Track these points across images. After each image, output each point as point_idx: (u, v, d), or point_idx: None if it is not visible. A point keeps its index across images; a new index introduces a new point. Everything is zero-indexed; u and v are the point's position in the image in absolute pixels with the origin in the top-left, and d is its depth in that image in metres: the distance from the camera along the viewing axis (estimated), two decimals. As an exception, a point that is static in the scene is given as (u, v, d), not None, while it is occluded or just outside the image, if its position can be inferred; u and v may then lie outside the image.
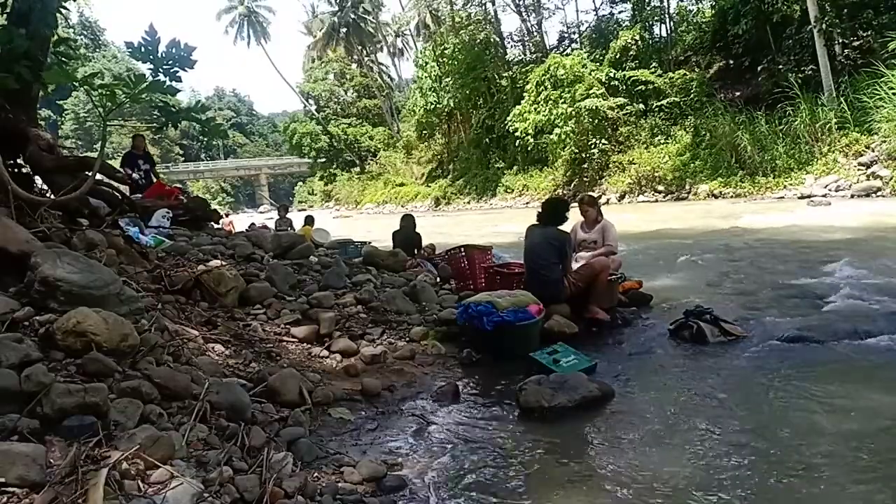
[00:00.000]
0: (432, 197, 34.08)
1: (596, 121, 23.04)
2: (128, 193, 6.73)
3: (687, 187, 20.10)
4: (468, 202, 31.22)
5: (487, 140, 32.39)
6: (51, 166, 4.57)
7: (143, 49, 3.49)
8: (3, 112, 4.25)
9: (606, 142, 23.56)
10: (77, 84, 3.93)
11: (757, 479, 2.27)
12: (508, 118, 26.28)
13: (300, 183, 63.36)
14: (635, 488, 2.25)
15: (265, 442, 2.38)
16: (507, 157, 30.41)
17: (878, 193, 14.21)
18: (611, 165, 23.57)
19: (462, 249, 5.87)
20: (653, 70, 23.90)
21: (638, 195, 21.66)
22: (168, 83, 3.59)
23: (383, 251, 6.63)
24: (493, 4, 33.98)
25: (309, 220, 10.93)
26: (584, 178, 24.13)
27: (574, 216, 5.31)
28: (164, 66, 3.52)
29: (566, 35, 33.40)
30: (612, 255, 5.34)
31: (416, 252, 7.60)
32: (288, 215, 12.94)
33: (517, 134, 25.49)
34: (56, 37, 4.90)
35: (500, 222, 17.49)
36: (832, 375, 3.32)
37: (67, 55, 4.26)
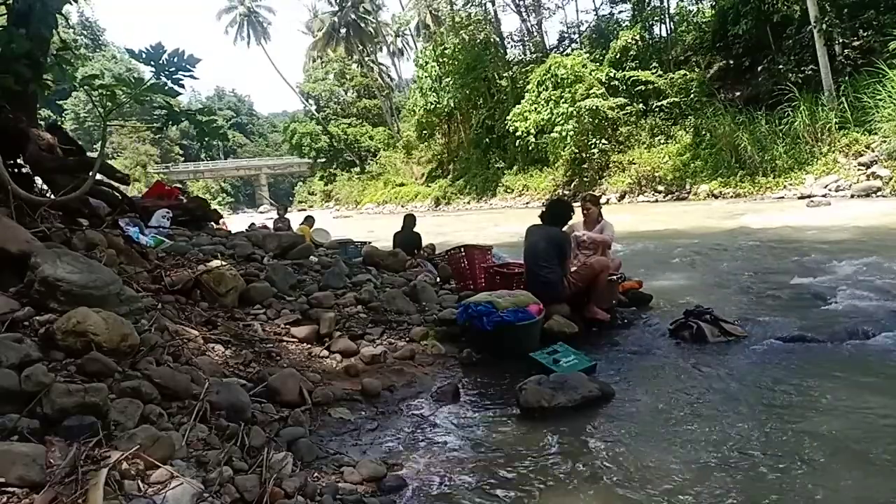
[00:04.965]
0: (432, 197, 34.10)
1: (596, 121, 23.06)
2: None
3: (687, 187, 20.11)
4: (468, 202, 31.23)
5: (487, 140, 32.40)
6: (51, 166, 4.57)
7: (143, 56, 3.49)
8: (3, 112, 4.24)
9: (606, 142, 23.58)
10: (77, 84, 3.93)
11: (757, 480, 2.26)
12: (508, 118, 26.29)
13: (300, 183, 63.37)
14: (635, 488, 2.25)
15: (265, 442, 2.38)
16: (507, 157, 30.42)
17: (878, 193, 14.21)
18: (611, 165, 23.59)
19: (462, 249, 5.85)
20: (653, 70, 23.91)
21: (638, 195, 21.67)
22: (169, 86, 3.58)
23: (383, 251, 6.64)
24: (493, 4, 34.09)
25: (307, 221, 10.91)
26: (584, 178, 24.14)
27: (575, 215, 5.31)
28: (168, 71, 3.52)
29: (566, 35, 33.45)
30: (609, 249, 5.41)
31: (416, 252, 7.60)
32: (287, 215, 12.91)
33: (518, 133, 25.51)
34: (59, 39, 4.89)
35: (500, 222, 17.49)
36: (832, 375, 3.32)
37: (68, 61, 4.25)
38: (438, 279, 6.19)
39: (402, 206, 33.09)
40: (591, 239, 5.38)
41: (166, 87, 3.57)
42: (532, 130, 24.75)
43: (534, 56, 32.07)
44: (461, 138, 35.36)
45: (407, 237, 7.86)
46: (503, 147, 30.66)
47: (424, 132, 38.01)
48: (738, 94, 21.50)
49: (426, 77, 34.12)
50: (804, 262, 6.86)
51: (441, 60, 32.89)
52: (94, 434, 1.98)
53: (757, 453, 2.47)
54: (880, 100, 15.35)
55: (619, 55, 25.02)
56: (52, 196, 4.33)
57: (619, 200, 21.74)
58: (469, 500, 2.22)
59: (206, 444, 2.24)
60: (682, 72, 23.38)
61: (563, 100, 23.39)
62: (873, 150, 15.29)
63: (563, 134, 23.28)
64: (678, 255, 8.29)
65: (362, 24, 49.15)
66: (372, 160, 46.59)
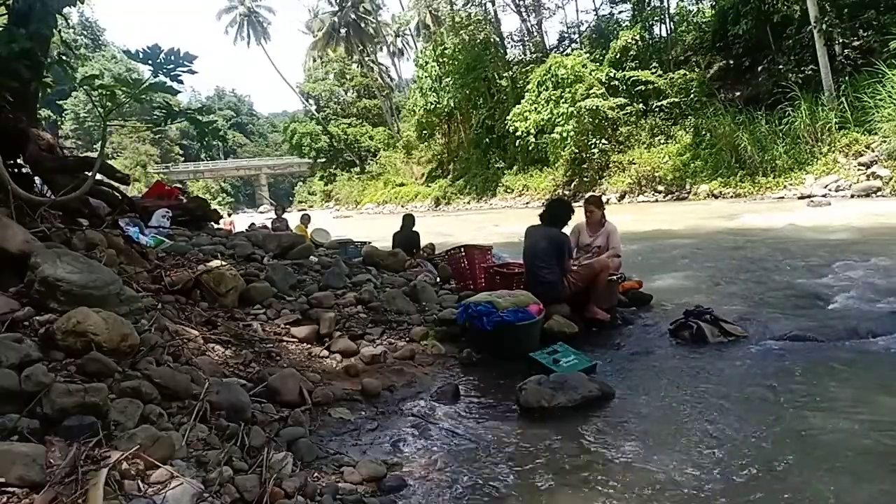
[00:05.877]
0: (432, 197, 34.11)
1: (596, 121, 23.08)
2: None
3: (687, 187, 20.12)
4: (468, 202, 31.24)
5: (487, 140, 32.42)
6: (51, 166, 4.57)
7: (141, 55, 3.50)
8: (3, 112, 4.24)
9: (606, 142, 23.60)
10: (77, 84, 3.93)
11: (757, 480, 2.26)
12: (508, 118, 26.31)
13: (300, 183, 63.37)
14: (635, 488, 2.24)
15: (265, 442, 2.38)
16: (507, 157, 30.44)
17: (878, 193, 14.22)
18: (611, 165, 23.61)
19: (462, 249, 5.86)
20: (653, 70, 23.93)
21: (638, 195, 21.67)
22: (169, 84, 3.58)
23: (383, 251, 6.64)
24: (493, 4, 34.12)
25: (304, 219, 10.93)
26: (584, 178, 24.16)
27: (576, 217, 5.29)
28: (166, 69, 3.52)
29: (566, 35, 33.47)
30: (617, 259, 5.33)
31: (415, 252, 7.60)
32: (284, 215, 12.92)
33: (518, 133, 25.53)
34: (60, 40, 4.89)
35: (500, 222, 17.49)
36: (832, 375, 3.32)
37: (69, 63, 4.26)
38: (438, 279, 6.18)
39: (402, 206, 33.11)
40: (604, 262, 4.98)
41: (166, 86, 3.57)
42: (532, 130, 24.77)
43: (534, 56, 32.09)
44: (461, 138, 35.37)
45: (406, 237, 7.86)
46: (503, 147, 30.68)
47: (424, 132, 38.03)
48: (738, 94, 21.51)
49: (426, 77, 34.15)
50: (804, 262, 6.86)
51: (441, 60, 32.91)
52: (94, 434, 1.98)
53: (757, 453, 2.47)
54: (880, 100, 15.35)
55: (619, 55, 25.03)
56: (52, 196, 4.33)
57: (619, 200, 21.74)
58: (469, 500, 2.22)
59: (206, 444, 2.24)
60: (682, 72, 23.39)
61: (563, 100, 23.41)
62: (873, 150, 15.30)
63: (564, 134, 23.30)
64: (678, 255, 8.29)
65: (362, 24, 49.17)
66: (372, 160, 46.60)
